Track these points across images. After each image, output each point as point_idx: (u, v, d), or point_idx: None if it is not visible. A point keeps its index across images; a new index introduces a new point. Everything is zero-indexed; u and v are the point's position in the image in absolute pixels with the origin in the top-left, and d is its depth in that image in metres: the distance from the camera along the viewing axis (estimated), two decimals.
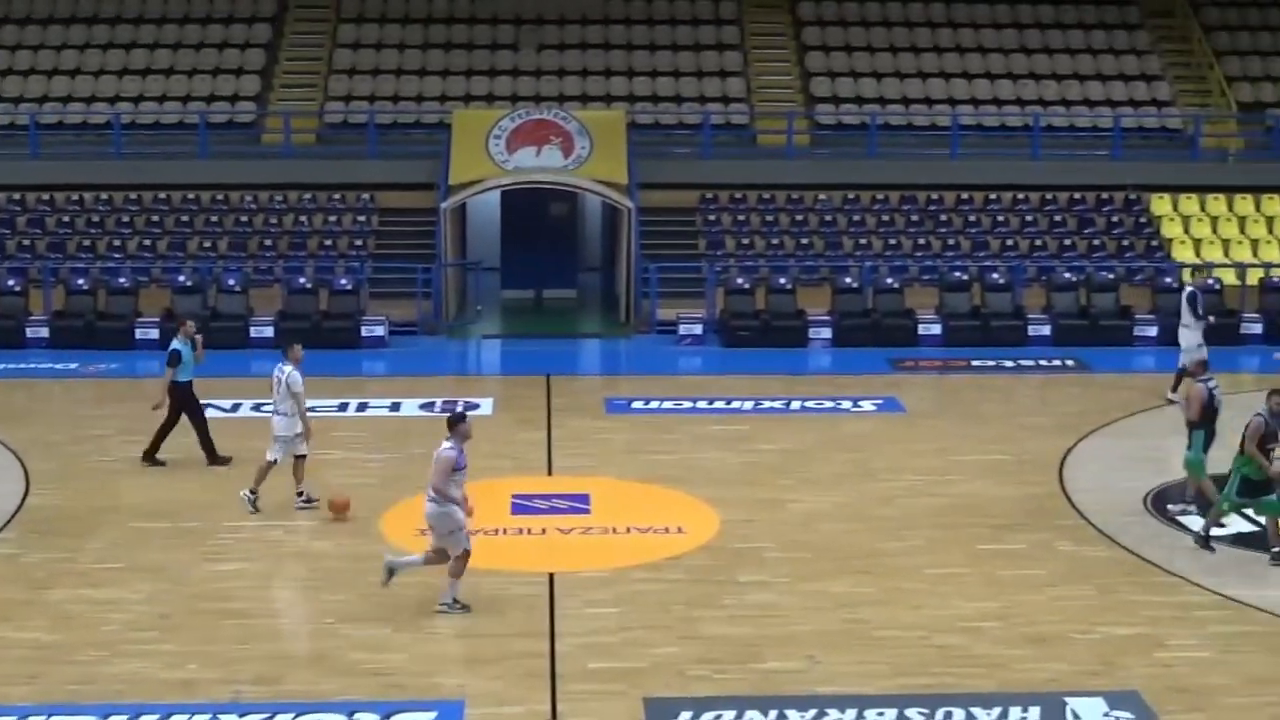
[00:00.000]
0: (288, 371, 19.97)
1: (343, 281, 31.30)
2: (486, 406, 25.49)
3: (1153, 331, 30.46)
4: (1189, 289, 26.26)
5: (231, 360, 27.68)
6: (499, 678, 15.13)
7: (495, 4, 38.17)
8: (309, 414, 20.28)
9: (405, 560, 17.20)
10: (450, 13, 38.25)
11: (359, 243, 33.37)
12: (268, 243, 33.26)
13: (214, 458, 21.93)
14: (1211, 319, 26.35)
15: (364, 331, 30.17)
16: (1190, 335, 25.53)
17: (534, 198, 34.33)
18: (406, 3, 38.29)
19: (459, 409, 20.75)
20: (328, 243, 33.34)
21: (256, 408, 24.44)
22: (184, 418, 21.96)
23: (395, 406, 25.54)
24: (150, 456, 22.04)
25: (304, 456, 20.18)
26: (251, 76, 36.58)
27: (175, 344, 21.99)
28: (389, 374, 28.93)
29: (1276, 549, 18.28)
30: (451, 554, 16.67)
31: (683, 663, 15.55)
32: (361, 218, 34.08)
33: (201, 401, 22.19)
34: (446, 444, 16.64)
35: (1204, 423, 19.93)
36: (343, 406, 25.29)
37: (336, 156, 35.00)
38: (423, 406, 25.28)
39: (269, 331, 29.74)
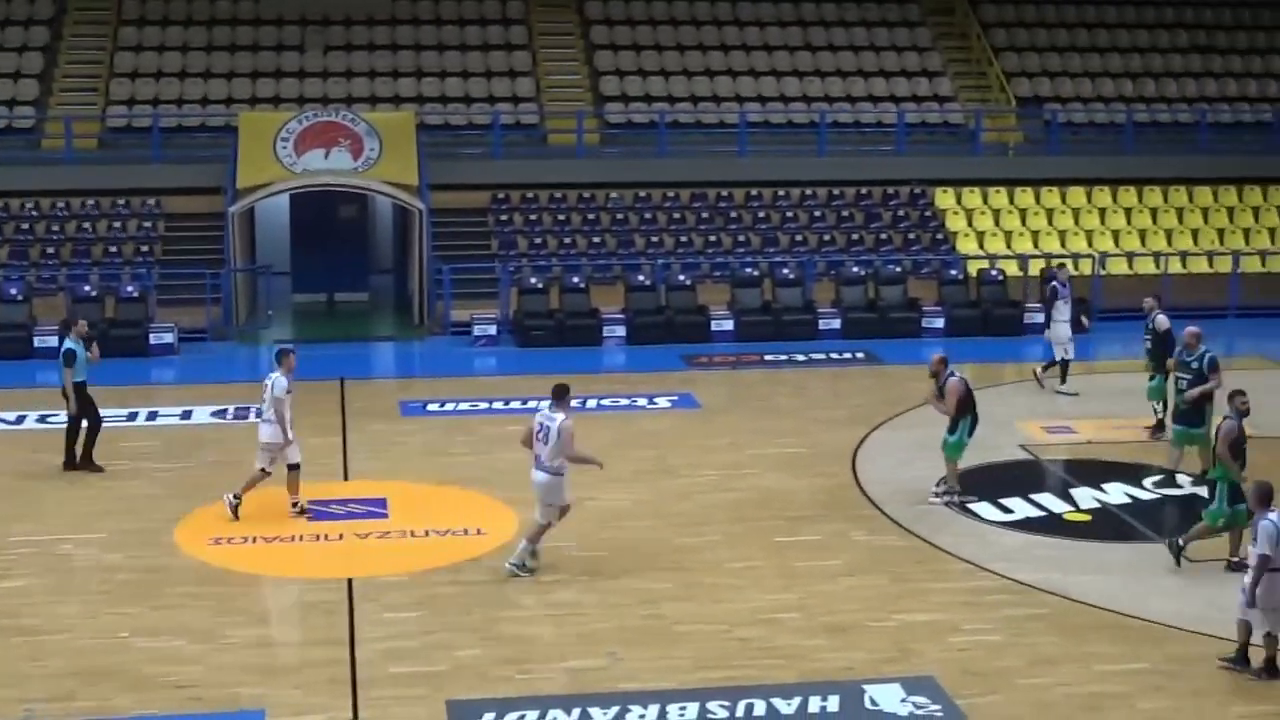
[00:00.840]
0: (273, 379, 19.72)
1: (129, 289, 30.68)
2: None
3: (940, 323, 31.08)
4: (1051, 282, 26.91)
5: (14, 371, 26.96)
6: (299, 686, 14.96)
7: (280, 5, 37.69)
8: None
9: (520, 551, 17.87)
10: (234, 14, 37.69)
11: (145, 249, 32.73)
12: (50, 250, 32.48)
13: (79, 463, 21.57)
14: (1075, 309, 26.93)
15: (152, 339, 29.61)
16: (1061, 328, 26.19)
17: (323, 200, 33.97)
18: (189, 4, 37.62)
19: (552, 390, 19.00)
20: (113, 249, 32.65)
21: (43, 419, 23.91)
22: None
23: (187, 414, 25.11)
24: (86, 460, 21.70)
25: (298, 466, 19.86)
26: (29, 81, 35.69)
27: (69, 343, 21.62)
28: (179, 382, 28.43)
29: (1236, 559, 18.18)
30: (549, 521, 17.72)
31: (485, 664, 15.51)
32: (147, 223, 33.44)
33: None
34: (560, 415, 17.53)
35: (966, 412, 20.35)
36: (132, 416, 24.80)
37: (120, 161, 34.27)
38: (215, 414, 24.88)
39: (54, 341, 29.01)
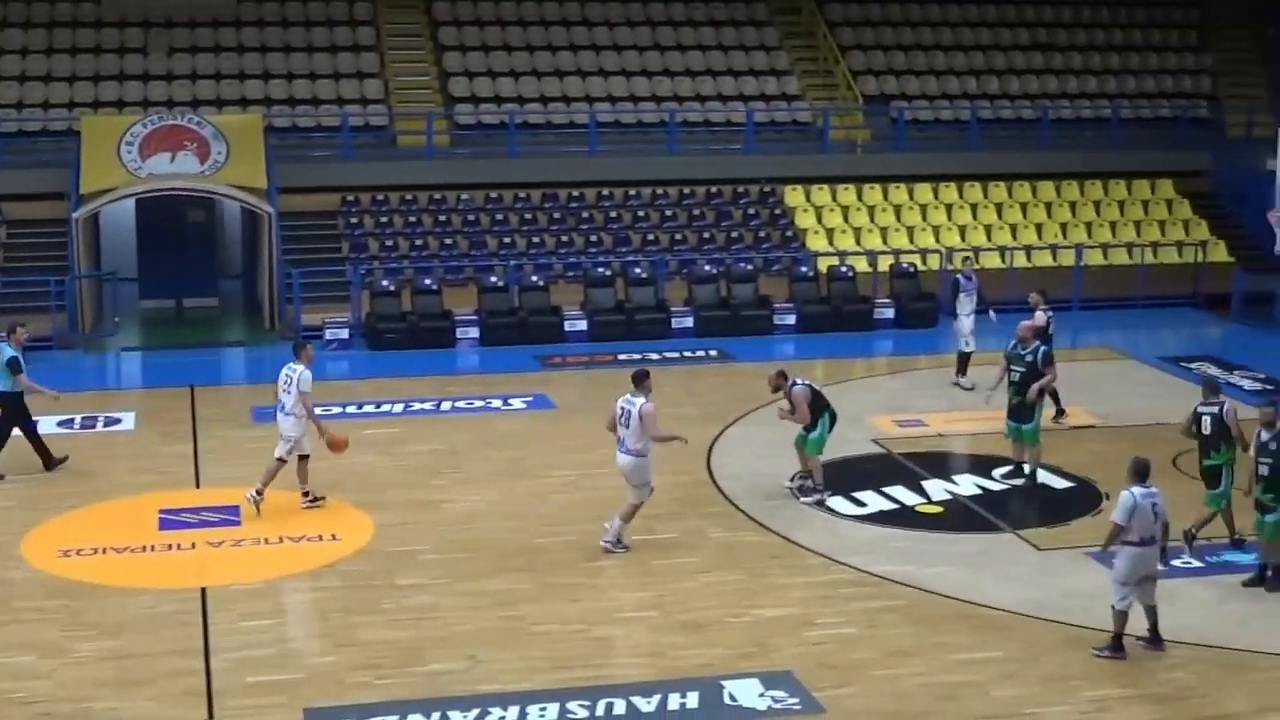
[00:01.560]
0: (298, 372, 19.88)
1: None
2: (129, 421, 24.83)
3: (791, 320, 31.32)
4: (955, 277, 27.21)
5: None
6: (154, 699, 14.77)
7: (122, 7, 37.09)
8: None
9: (615, 529, 18.72)
10: (75, 16, 37.03)
11: None
12: None
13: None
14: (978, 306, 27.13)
15: None
16: (963, 321, 26.44)
17: (170, 205, 33.49)
18: (28, 6, 36.90)
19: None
20: None
21: None
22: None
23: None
24: (49, 461, 21.74)
25: (308, 456, 20.14)
26: None
27: (11, 351, 21.60)
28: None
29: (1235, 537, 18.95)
30: (641, 501, 18.62)
31: (342, 670, 15.42)
32: None
33: None
34: (640, 399, 18.54)
35: (821, 411, 20.54)
36: None
37: None
38: (61, 424, 24.42)
39: None
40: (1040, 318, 24.22)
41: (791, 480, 21.05)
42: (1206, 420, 18.94)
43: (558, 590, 17.64)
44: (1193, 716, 14.84)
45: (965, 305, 26.62)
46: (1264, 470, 17.90)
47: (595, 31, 38.18)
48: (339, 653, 15.87)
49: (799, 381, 20.84)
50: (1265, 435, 17.93)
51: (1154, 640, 16.14)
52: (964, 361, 26.49)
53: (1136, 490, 15.79)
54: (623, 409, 18.61)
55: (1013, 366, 21.66)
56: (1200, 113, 39.25)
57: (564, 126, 35.88)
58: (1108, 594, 16.31)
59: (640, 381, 18.76)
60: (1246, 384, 27.26)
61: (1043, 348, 21.61)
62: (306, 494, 20.34)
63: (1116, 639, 15.97)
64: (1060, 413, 24.18)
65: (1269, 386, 26.90)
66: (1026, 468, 21.58)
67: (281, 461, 20.04)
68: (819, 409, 20.55)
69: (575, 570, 18.25)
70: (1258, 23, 41.97)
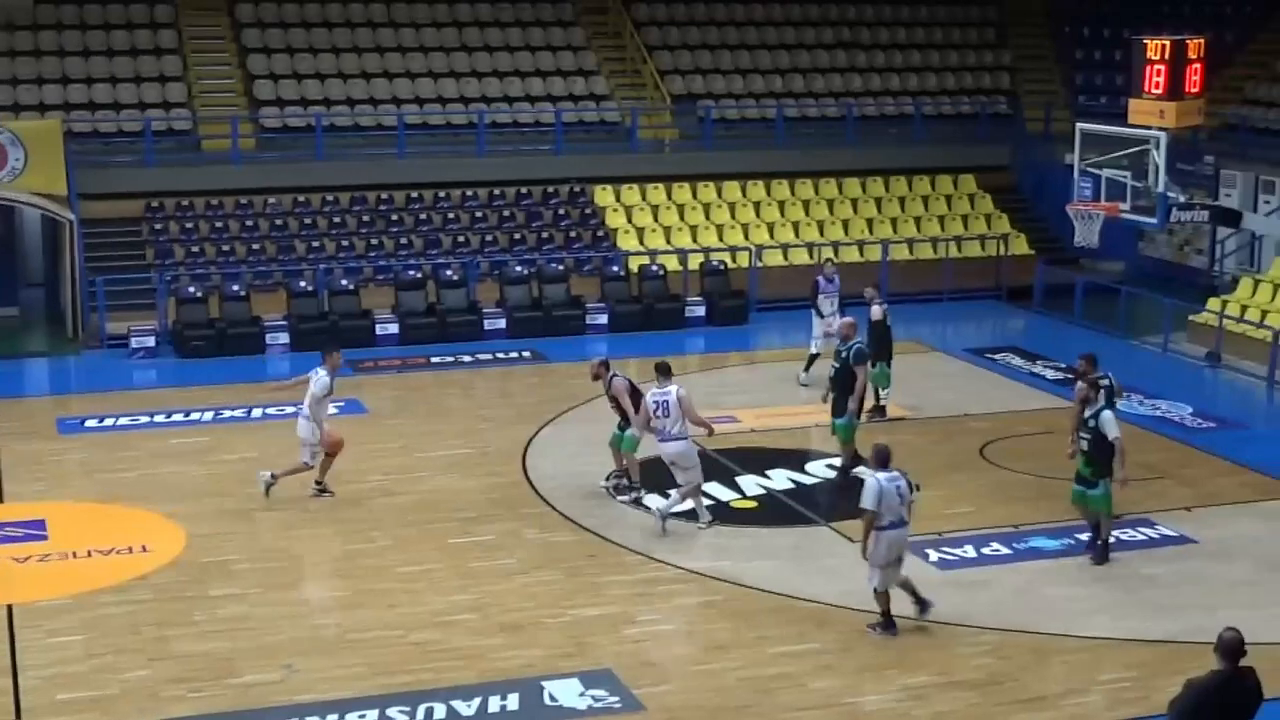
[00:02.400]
0: (317, 375, 20.32)
1: None
2: None
3: (603, 319, 31.37)
4: (815, 279, 27.23)
5: None
6: None
7: None
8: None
9: (670, 505, 19.52)
10: None
11: None
12: None
13: None
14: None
15: None
16: (818, 324, 26.51)
17: None
18: None
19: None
20: None
21: None
22: None
23: None
24: None
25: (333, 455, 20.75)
26: None
27: None
28: None
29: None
30: (697, 483, 19.66)
31: (156, 684, 15.16)
32: None
33: None
34: (672, 387, 19.61)
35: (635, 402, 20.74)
36: None
37: None
38: None
39: None
40: (877, 311, 24.59)
41: (607, 479, 21.11)
42: (1103, 392, 19.82)
43: (374, 596, 17.51)
44: (1006, 700, 15.14)
45: (825, 306, 26.70)
46: (1084, 445, 18.52)
47: (402, 33, 37.91)
48: (152, 667, 15.60)
49: (619, 374, 20.98)
50: (1087, 412, 18.56)
51: (921, 607, 16.65)
52: (811, 360, 26.61)
53: (881, 475, 16.21)
54: (657, 401, 19.60)
55: (833, 363, 22.05)
56: (1000, 109, 40.05)
57: (371, 129, 35.59)
58: (919, 583, 16.57)
59: (667, 372, 20.02)
60: (1049, 374, 27.87)
61: (856, 345, 21.92)
62: (319, 484, 20.81)
63: (885, 615, 16.46)
64: (878, 409, 24.42)
65: (1071, 376, 27.49)
66: (838, 462, 21.90)
67: (307, 465, 20.56)
68: (637, 404, 20.68)
69: (392, 576, 18.12)
70: (1054, 20, 42.94)
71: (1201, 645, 12.82)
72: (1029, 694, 15.31)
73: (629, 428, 20.68)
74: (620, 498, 20.77)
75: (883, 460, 16.35)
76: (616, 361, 26.98)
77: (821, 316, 26.61)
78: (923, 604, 16.68)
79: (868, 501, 16.11)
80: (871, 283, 26.01)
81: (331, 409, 21.30)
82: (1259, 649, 12.58)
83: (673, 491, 19.81)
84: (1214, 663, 11.32)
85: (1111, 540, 18.94)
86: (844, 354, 21.78)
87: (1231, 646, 11.28)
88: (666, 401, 19.56)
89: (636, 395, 20.68)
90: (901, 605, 16.58)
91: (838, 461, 21.97)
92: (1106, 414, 18.47)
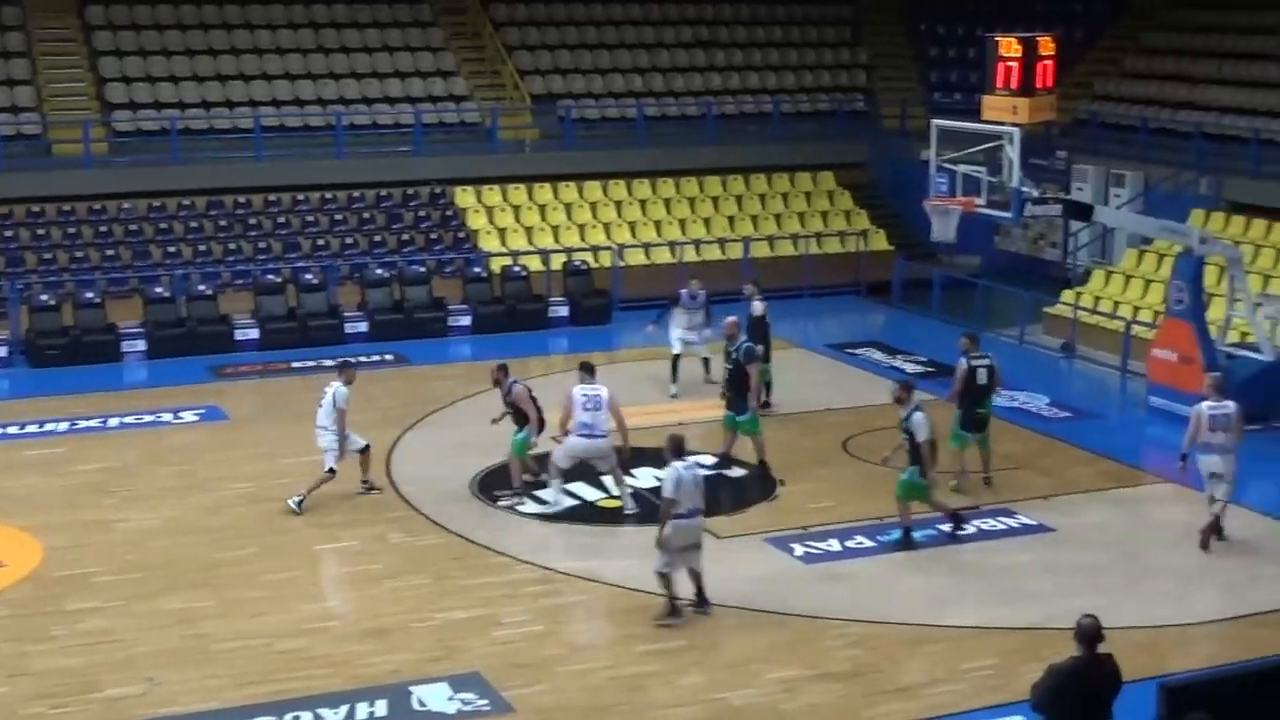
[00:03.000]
0: (334, 388, 20.51)
1: None
2: None
3: (466, 321, 31.25)
4: (679, 292, 26.95)
5: None
6: None
7: None
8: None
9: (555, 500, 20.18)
10: None
11: None
12: None
13: None
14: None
15: None
16: (673, 331, 26.37)
17: None
18: None
19: None
20: None
21: None
22: None
23: None
24: None
25: (368, 447, 21.08)
26: None
27: None
28: None
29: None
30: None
31: (15, 702, 14.90)
32: None
33: None
34: (601, 386, 20.04)
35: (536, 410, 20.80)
36: None
37: None
38: None
39: None
40: (758, 307, 24.73)
41: (516, 488, 20.98)
42: (983, 372, 20.93)
43: (239, 605, 17.32)
44: (873, 691, 15.29)
45: (682, 320, 26.28)
46: (905, 442, 19.17)
47: (258, 34, 37.54)
48: (11, 684, 15.32)
49: (519, 380, 21.04)
50: (902, 413, 19.17)
51: (701, 602, 16.91)
52: (676, 366, 26.41)
53: (679, 465, 16.47)
54: (588, 396, 19.80)
55: (726, 364, 22.26)
56: (857, 106, 40.45)
57: (228, 131, 35.21)
58: (785, 578, 16.70)
59: (592, 371, 20.27)
60: (909, 367, 28.18)
61: (745, 344, 22.13)
62: (364, 482, 21.03)
63: (670, 603, 16.69)
64: (765, 404, 24.56)
65: (931, 369, 27.84)
66: (715, 454, 22.04)
67: (332, 473, 20.46)
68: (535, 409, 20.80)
69: (257, 584, 17.95)
70: (908, 19, 43.43)
71: (1062, 632, 13.03)
72: (895, 684, 15.48)
73: (522, 432, 20.69)
74: (518, 498, 20.68)
75: (678, 449, 16.61)
76: (481, 365, 27.00)
77: (680, 327, 26.44)
78: (703, 601, 16.93)
79: (668, 490, 16.39)
80: (752, 279, 26.14)
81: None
82: (1117, 634, 12.82)
83: (552, 486, 20.28)
84: (1074, 649, 11.50)
85: (934, 530, 19.36)
86: (734, 354, 22.04)
87: (1090, 632, 11.47)
88: (599, 398, 19.85)
89: (534, 401, 20.78)
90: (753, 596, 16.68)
91: (703, 459, 22.06)
92: (917, 416, 18.94)
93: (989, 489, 21.22)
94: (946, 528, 19.49)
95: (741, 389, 21.96)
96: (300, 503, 20.29)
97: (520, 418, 20.77)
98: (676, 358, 26.31)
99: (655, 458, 22.33)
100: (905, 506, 19.23)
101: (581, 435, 19.85)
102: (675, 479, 16.34)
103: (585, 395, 19.88)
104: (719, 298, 26.95)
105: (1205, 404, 19.15)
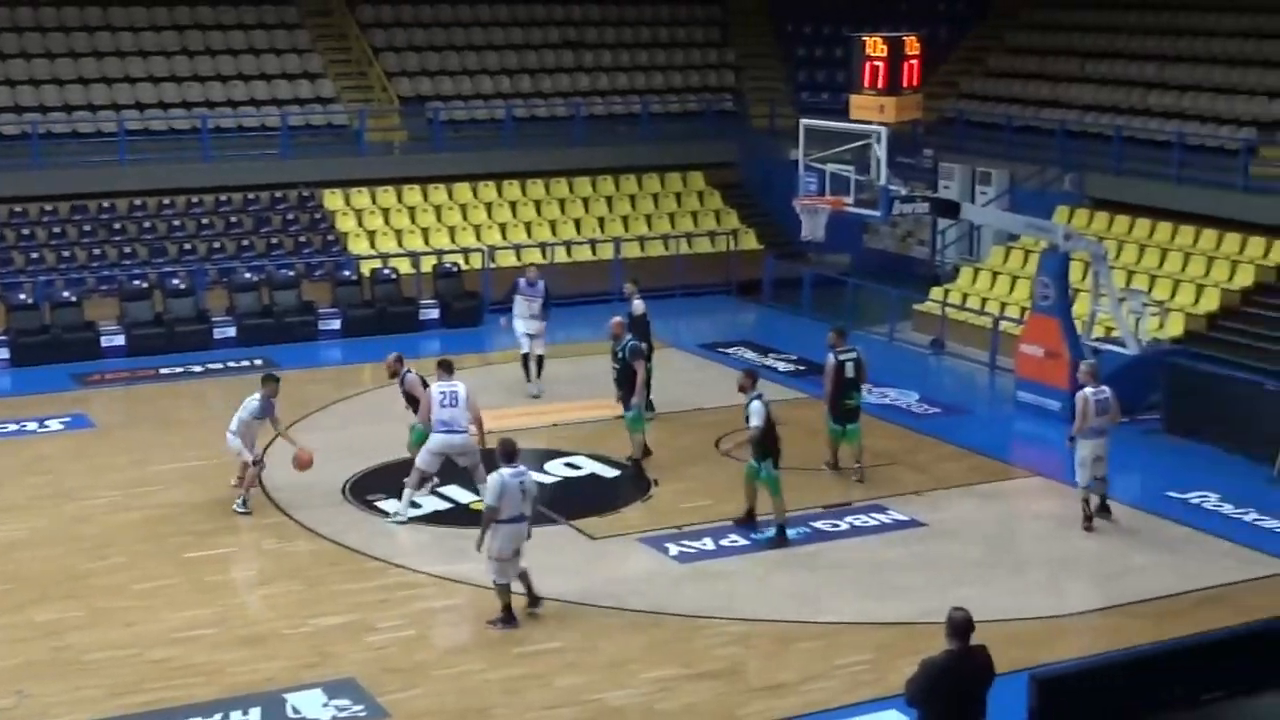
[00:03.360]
0: (248, 399, 20.51)
1: None
2: None
3: (336, 324, 31.03)
4: (516, 279, 26.91)
5: None
6: None
7: None
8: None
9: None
10: None
11: None
12: None
13: None
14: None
15: None
16: (517, 324, 26.24)
17: None
18: None
19: None
20: None
21: None
22: None
23: None
24: None
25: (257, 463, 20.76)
26: None
27: None
28: None
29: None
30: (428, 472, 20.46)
31: None
32: None
33: None
34: (460, 382, 20.13)
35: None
36: None
37: None
38: None
39: None
40: (639, 305, 24.79)
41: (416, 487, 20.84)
42: (850, 365, 21.44)
43: (109, 615, 17.10)
44: (748, 689, 15.39)
45: (523, 308, 26.33)
46: (612, 372, 20.69)
47: (120, 36, 37.00)
48: None
49: (413, 371, 21.14)
50: (615, 345, 20.91)
51: (533, 601, 17.14)
52: (527, 365, 26.49)
53: (505, 471, 16.57)
54: (445, 392, 19.89)
55: (614, 364, 22.38)
56: (726, 106, 40.63)
57: (91, 135, 34.67)
58: (660, 577, 16.72)
59: (450, 368, 20.32)
60: (780, 365, 28.37)
61: (630, 342, 22.26)
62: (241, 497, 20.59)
63: (506, 610, 16.81)
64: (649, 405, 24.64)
65: (802, 367, 28.05)
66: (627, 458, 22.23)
67: (258, 464, 20.59)
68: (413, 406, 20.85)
69: (127, 593, 17.72)
70: (775, 19, 43.68)
71: (935, 625, 13.16)
72: (771, 681, 15.58)
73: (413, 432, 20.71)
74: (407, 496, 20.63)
75: (508, 455, 16.69)
76: (351, 369, 26.90)
77: (522, 318, 26.37)
78: (535, 600, 17.11)
79: (490, 497, 16.48)
80: (631, 278, 26.22)
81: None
82: (988, 626, 12.99)
83: (405, 493, 20.20)
84: (947, 642, 11.63)
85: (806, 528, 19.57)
86: (620, 353, 22.18)
87: (961, 625, 11.61)
88: (455, 394, 19.93)
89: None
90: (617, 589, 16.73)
91: (577, 460, 22.11)
92: (754, 404, 19.32)
93: (861, 484, 21.45)
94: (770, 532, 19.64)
95: (629, 387, 22.08)
96: (244, 503, 20.30)
97: (416, 407, 20.73)
98: (525, 356, 26.36)
99: (529, 459, 22.42)
100: (778, 502, 19.35)
101: (440, 432, 19.84)
102: (499, 486, 16.40)
103: (442, 392, 19.95)
104: (592, 299, 27.01)
105: (1088, 390, 19.59)
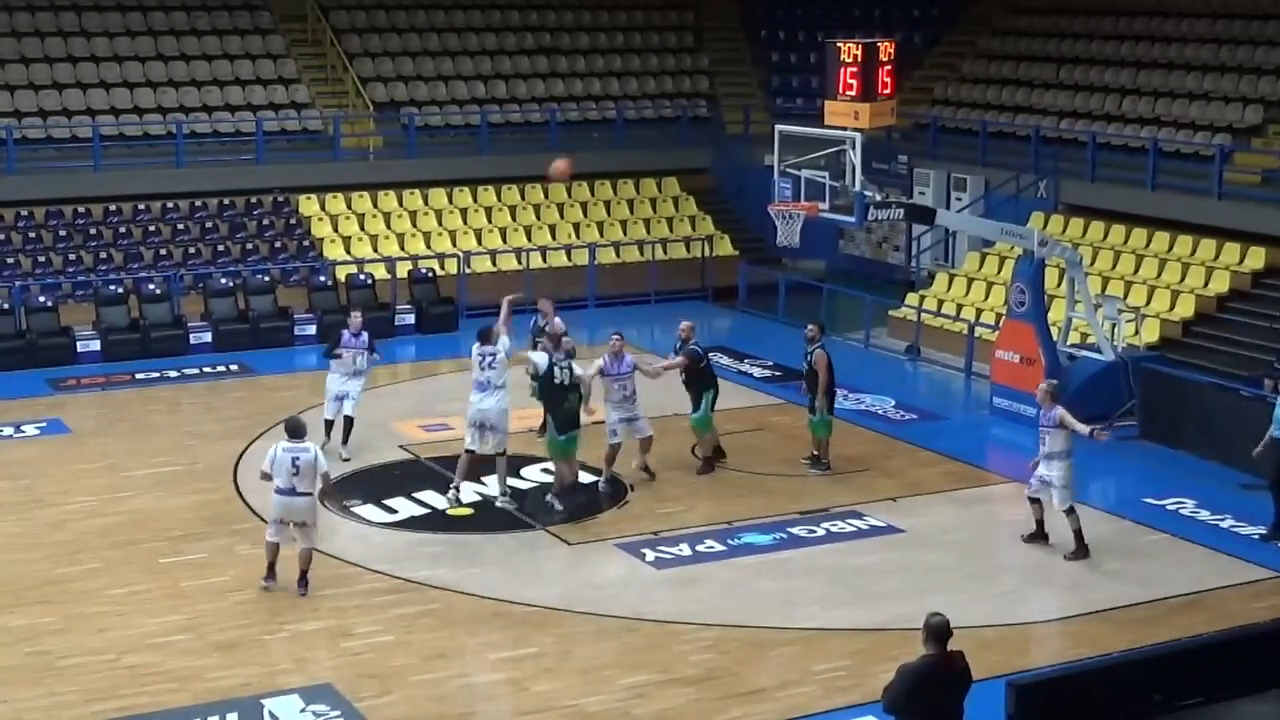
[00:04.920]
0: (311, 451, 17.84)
1: None
2: None
3: (312, 330, 30.96)
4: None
5: None
6: None
7: None
8: None
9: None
10: None
11: None
12: None
13: None
14: None
15: None
16: (336, 383, 25.96)
17: None
18: None
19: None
20: None
21: None
22: None
23: None
24: None
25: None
26: None
27: None
28: None
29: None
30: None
31: None
32: None
33: None
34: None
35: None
36: None
37: None
38: None
39: None
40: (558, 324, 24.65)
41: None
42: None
43: (84, 621, 17.03)
44: (725, 695, 15.38)
45: (343, 364, 23.35)
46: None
47: (95, 42, 36.91)
48: None
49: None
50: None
51: (300, 583, 17.73)
52: (330, 428, 23.24)
53: (281, 444, 17.56)
54: (485, 355, 20.60)
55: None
56: (700, 112, 40.67)
57: (66, 141, 34.58)
58: (636, 583, 16.72)
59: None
60: (756, 371, 28.39)
61: (694, 346, 23.15)
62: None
63: (269, 568, 17.80)
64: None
65: (778, 373, 28.08)
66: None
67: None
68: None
69: (101, 599, 17.66)
70: (748, 25, 43.73)
71: (912, 631, 13.20)
72: (747, 687, 15.58)
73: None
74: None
75: (293, 431, 17.63)
76: (327, 373, 26.83)
77: (339, 375, 23.35)
78: (302, 583, 17.71)
79: (265, 464, 17.60)
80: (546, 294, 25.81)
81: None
82: (965, 632, 13.02)
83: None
84: (924, 648, 11.65)
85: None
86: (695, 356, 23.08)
87: (939, 631, 11.62)
88: (496, 355, 20.64)
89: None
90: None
91: (553, 465, 22.10)
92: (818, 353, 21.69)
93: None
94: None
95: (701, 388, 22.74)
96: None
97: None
98: (330, 422, 23.21)
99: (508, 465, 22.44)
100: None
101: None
102: (271, 456, 17.49)
103: (480, 354, 20.66)
104: (566, 305, 26.90)
105: (1059, 410, 19.33)
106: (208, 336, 30.36)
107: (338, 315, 31.16)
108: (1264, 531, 20.11)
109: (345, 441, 22.96)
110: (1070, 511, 19.24)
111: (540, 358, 20.88)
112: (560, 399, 20.78)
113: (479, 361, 20.64)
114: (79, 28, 37.07)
